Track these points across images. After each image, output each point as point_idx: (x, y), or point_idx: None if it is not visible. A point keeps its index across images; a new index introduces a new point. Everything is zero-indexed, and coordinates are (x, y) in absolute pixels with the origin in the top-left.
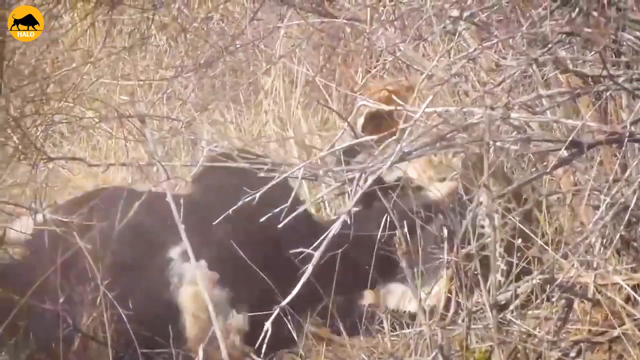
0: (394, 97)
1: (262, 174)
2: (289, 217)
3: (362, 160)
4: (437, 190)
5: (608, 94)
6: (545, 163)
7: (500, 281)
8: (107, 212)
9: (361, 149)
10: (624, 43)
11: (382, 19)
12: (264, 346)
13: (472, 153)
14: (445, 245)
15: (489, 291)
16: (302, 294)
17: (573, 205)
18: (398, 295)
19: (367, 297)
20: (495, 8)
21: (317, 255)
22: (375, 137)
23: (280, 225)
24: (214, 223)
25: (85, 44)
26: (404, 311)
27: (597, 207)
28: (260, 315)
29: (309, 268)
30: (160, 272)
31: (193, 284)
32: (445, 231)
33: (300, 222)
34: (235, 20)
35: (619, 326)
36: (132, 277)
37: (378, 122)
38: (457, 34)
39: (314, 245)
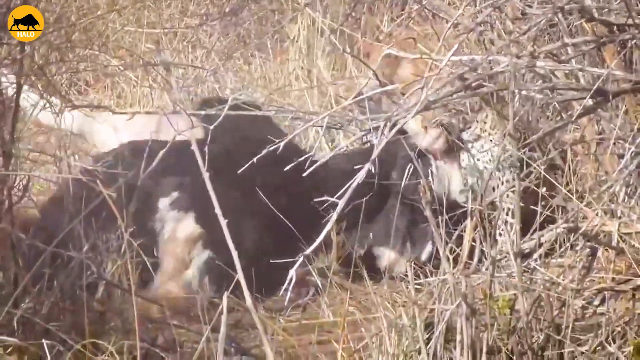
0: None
1: (287, 123)
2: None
3: None
4: (426, 139)
5: (633, 42)
6: (570, 112)
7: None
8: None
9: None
10: None
11: None
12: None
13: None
14: (469, 196)
15: (512, 239)
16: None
17: (597, 154)
18: (386, 259)
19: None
20: None
21: (341, 203)
22: (400, 85)
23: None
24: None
25: None
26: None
27: (621, 156)
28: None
29: (334, 216)
30: (151, 222)
31: (174, 231)
32: (469, 180)
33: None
34: None
35: None
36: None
37: None
38: None
39: (339, 194)
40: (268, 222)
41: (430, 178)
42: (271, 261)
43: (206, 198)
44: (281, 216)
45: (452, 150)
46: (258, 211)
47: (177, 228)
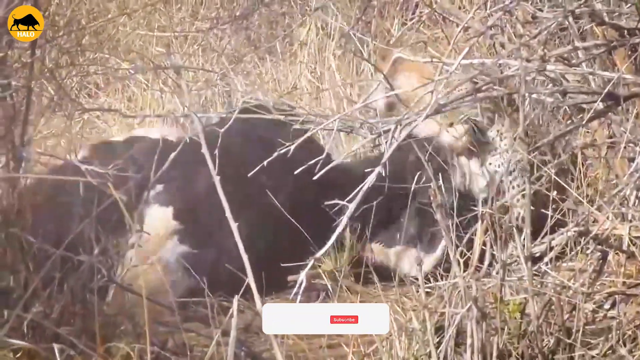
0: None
1: (296, 126)
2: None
3: None
4: (449, 135)
5: None
6: (580, 115)
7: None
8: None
9: None
10: None
11: None
12: (299, 297)
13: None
14: (481, 197)
15: (523, 243)
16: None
17: (608, 157)
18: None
19: (376, 253)
20: None
21: (351, 207)
22: (409, 89)
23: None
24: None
25: None
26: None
27: (632, 159)
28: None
29: (344, 220)
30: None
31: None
32: (484, 181)
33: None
34: None
35: None
36: None
37: None
38: None
39: (349, 197)
40: (273, 221)
41: (450, 173)
42: (282, 265)
43: (189, 194)
44: (289, 215)
45: (475, 147)
46: (261, 210)
47: (155, 221)
